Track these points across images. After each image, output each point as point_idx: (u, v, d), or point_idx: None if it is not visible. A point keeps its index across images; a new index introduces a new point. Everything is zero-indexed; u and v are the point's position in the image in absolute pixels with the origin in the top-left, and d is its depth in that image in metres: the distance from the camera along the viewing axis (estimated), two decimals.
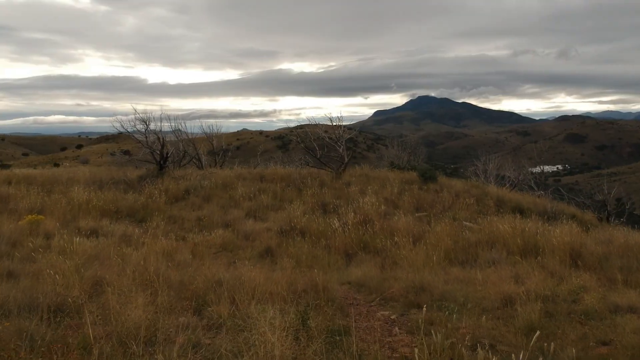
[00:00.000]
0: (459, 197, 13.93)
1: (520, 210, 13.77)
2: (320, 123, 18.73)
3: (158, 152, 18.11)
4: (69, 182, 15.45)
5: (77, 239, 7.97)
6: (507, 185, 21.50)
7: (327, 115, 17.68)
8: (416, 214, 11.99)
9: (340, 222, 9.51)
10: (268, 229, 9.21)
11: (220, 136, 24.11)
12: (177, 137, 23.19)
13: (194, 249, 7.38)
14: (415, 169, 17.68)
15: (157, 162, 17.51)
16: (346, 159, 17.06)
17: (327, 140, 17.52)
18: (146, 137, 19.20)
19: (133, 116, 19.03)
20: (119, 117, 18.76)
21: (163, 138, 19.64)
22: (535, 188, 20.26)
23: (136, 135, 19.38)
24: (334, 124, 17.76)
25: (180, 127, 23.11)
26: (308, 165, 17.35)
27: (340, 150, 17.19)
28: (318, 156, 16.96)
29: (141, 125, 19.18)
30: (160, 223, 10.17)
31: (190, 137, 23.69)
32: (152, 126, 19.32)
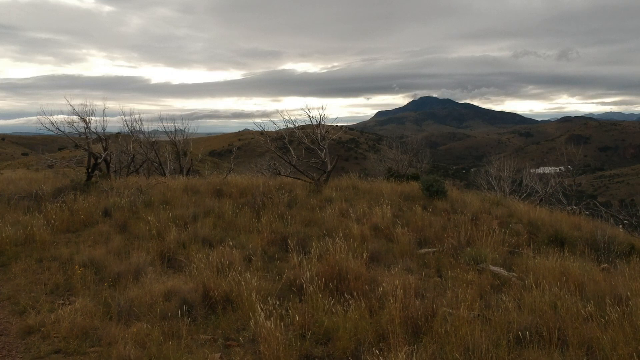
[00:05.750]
0: (477, 221, 10.21)
1: (561, 240, 10.06)
2: (300, 124, 14.88)
3: (98, 156, 14.50)
4: None
5: None
6: (523, 196, 17.91)
7: (306, 111, 13.77)
8: (419, 251, 8.28)
9: (296, 276, 5.80)
10: (171, 292, 5.47)
11: (187, 140, 20.39)
12: (135, 138, 19.55)
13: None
14: (417, 179, 13.94)
15: (86, 170, 13.83)
16: (329, 166, 13.29)
17: (306, 142, 13.75)
18: (87, 137, 15.61)
19: (71, 115, 15.36)
20: (51, 116, 15.01)
21: (106, 140, 16.08)
22: (565, 201, 16.55)
23: (73, 137, 15.73)
24: (315, 123, 13.93)
25: (137, 126, 19.46)
26: (279, 174, 13.60)
27: (322, 154, 13.44)
28: (293, 162, 13.19)
29: (81, 124, 15.57)
30: (13, 275, 6.46)
31: (150, 139, 20.03)
32: (93, 125, 15.72)
